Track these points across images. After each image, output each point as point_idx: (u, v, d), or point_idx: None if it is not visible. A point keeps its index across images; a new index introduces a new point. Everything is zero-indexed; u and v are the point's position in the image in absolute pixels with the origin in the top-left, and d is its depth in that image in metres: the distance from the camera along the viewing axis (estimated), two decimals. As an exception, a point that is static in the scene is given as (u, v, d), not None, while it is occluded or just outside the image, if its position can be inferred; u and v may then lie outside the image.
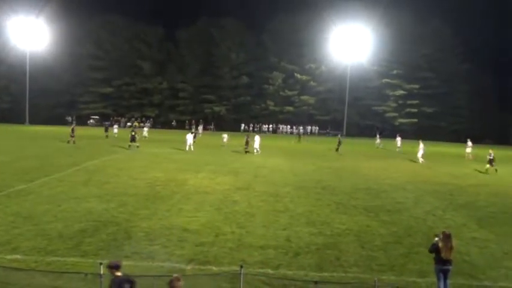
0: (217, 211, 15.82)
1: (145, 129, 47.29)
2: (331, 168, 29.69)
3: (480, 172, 29.20)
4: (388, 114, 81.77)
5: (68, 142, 38.00)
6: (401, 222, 15.39)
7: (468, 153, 39.90)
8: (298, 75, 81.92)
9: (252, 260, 11.02)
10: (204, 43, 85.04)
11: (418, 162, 33.80)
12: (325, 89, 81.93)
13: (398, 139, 45.28)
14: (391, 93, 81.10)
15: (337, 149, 40.97)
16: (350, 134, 73.29)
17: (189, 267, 10.39)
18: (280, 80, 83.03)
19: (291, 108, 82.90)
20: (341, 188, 21.70)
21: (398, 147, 43.73)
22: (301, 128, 78.70)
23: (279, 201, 17.88)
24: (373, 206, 17.68)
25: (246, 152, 36.35)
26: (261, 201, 17.70)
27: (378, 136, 52.61)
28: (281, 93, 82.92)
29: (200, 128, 65.71)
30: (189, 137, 37.47)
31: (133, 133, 36.75)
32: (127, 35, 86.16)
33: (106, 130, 49.47)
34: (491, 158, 29.46)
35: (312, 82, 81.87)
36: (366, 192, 20.83)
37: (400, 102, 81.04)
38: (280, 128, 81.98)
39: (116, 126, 54.70)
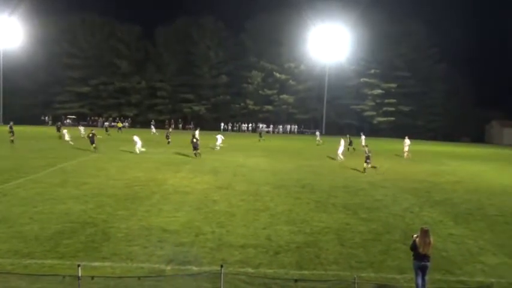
0: (197, 211, 15.75)
1: (81, 128, 45.72)
2: (311, 166, 29.86)
3: (360, 172, 27.66)
4: (366, 113, 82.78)
5: (12, 141, 36.80)
6: (380, 219, 15.58)
7: (406, 151, 38.71)
8: (278, 74, 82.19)
9: (233, 260, 11.01)
10: (182, 42, 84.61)
11: (337, 160, 33.48)
12: (304, 87, 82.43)
13: (363, 137, 45.39)
14: (369, 92, 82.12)
15: (348, 148, 41.54)
16: (329, 133, 73.86)
17: (169, 267, 10.32)
18: (259, 79, 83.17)
19: (270, 107, 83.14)
20: (320, 187, 21.85)
21: (363, 145, 43.71)
22: (263, 126, 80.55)
23: (259, 200, 17.90)
24: (351, 204, 17.85)
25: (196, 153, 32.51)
26: (241, 201, 17.70)
27: (318, 134, 56.32)
28: (260, 92, 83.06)
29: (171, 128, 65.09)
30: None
31: (91, 134, 34.73)
32: (104, 33, 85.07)
33: (58, 130, 46.18)
34: (368, 155, 27.71)
35: (291, 81, 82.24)
36: (345, 191, 21.02)
37: (378, 101, 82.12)
38: (260, 127, 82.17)
39: (82, 127, 51.58)
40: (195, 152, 31.95)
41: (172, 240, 12.25)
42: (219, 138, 40.28)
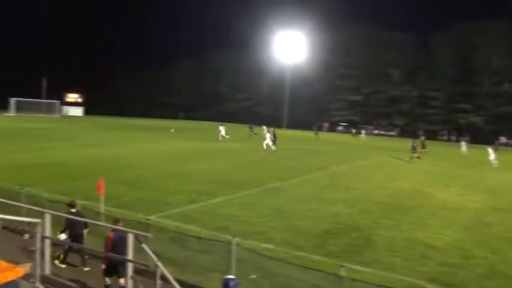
0: (467, 231, 14.44)
1: (221, 127, 48.63)
2: None
3: None
4: None
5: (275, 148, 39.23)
6: None
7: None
8: None
9: (507, 293, 9.69)
10: (461, 48, 79.02)
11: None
12: None
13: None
14: None
15: None
16: None
17: (431, 286, 9.78)
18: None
19: None
20: None
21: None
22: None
23: (547, 230, 15.18)
24: None
25: (412, 157, 34.91)
26: (522, 227, 15.38)
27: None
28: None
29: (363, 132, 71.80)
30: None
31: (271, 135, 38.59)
32: (377, 42, 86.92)
33: (251, 129, 53.39)
34: None
35: None
36: None
37: None
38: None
39: (363, 131, 60.03)
40: (412, 155, 34.98)
41: (437, 258, 11.57)
42: (492, 152, 36.41)
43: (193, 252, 10.30)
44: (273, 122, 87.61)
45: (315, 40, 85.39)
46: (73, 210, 10.53)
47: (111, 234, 8.74)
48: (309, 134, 70.78)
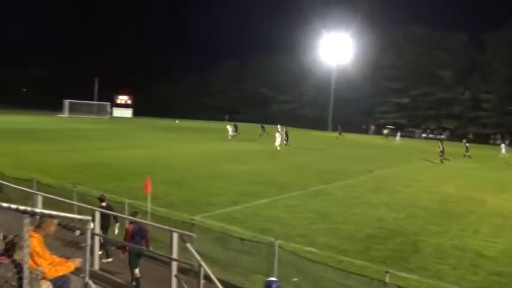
0: (520, 240, 13.79)
1: (229, 127, 49.53)
2: None
3: None
4: None
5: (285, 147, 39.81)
6: None
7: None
8: None
9: None
10: (515, 48, 75.58)
11: None
12: None
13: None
14: None
15: None
16: None
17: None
18: None
19: None
20: None
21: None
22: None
23: None
24: None
25: (442, 160, 35.08)
26: None
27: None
28: None
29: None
30: None
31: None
32: (427, 43, 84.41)
33: (263, 129, 56.75)
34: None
35: None
36: None
37: None
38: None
39: (398, 133, 66.16)
40: (441, 157, 35.00)
41: (488, 267, 11.10)
42: None
43: (236, 253, 10.39)
44: (318, 124, 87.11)
45: (361, 41, 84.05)
46: (103, 204, 10.92)
47: (130, 226, 9.15)
48: (351, 136, 69.84)
